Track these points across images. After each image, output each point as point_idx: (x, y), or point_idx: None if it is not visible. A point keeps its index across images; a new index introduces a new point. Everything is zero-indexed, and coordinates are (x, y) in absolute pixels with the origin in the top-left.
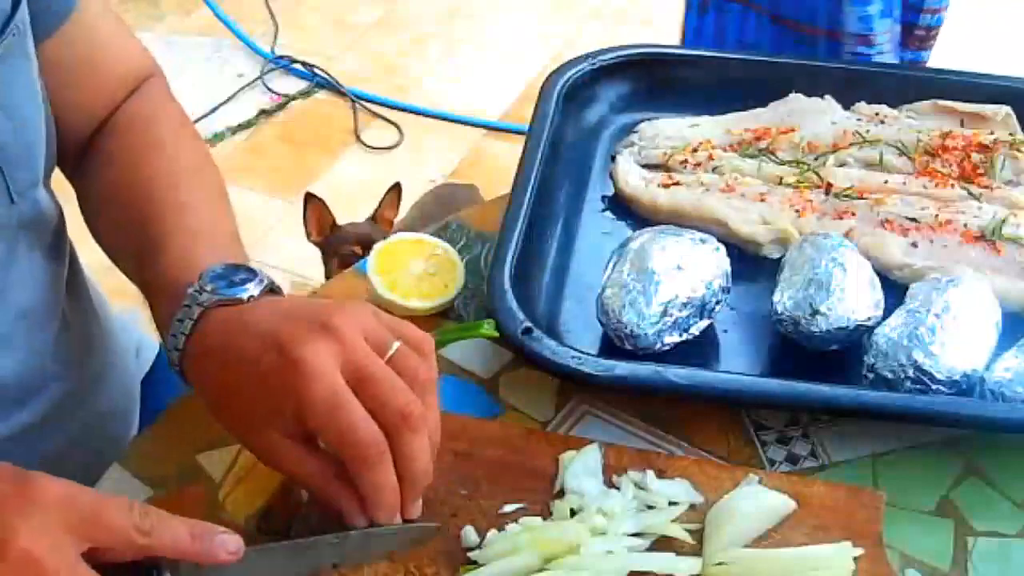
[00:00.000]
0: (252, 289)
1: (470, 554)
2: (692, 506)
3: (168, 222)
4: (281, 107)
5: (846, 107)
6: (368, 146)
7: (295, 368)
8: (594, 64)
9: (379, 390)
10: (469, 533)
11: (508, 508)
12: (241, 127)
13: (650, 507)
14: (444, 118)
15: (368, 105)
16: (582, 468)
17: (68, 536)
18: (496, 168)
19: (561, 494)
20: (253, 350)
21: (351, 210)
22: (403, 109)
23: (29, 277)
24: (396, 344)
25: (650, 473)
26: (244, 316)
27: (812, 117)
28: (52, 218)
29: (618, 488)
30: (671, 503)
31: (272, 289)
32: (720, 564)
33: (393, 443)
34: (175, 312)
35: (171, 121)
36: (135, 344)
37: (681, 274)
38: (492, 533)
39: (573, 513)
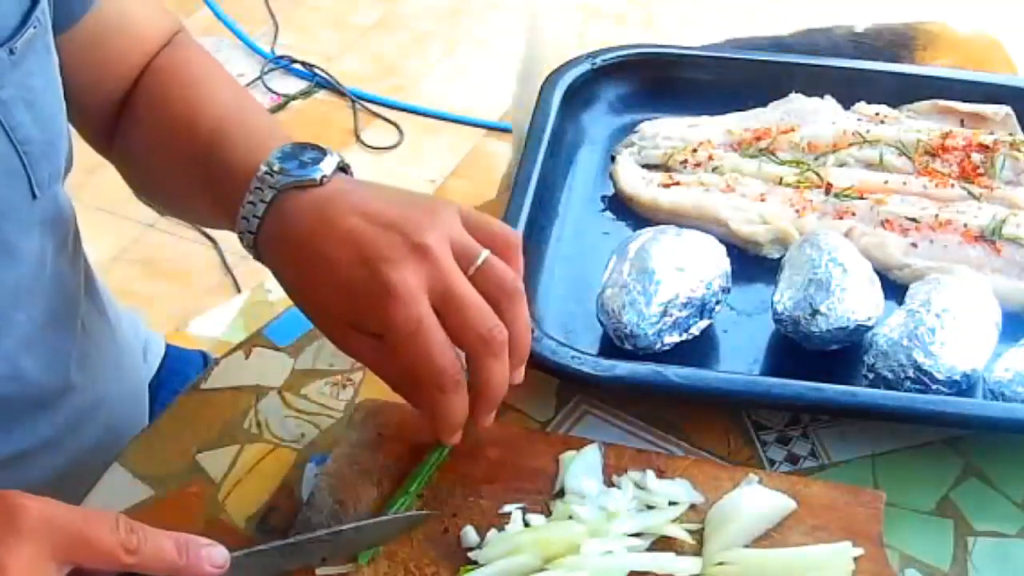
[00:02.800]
0: (324, 168)
1: (470, 554)
2: (692, 506)
3: (224, 127)
4: (281, 107)
5: (846, 107)
6: (368, 146)
7: (384, 290)
8: (594, 64)
9: (464, 315)
10: (469, 533)
11: (508, 508)
12: None
13: (650, 507)
14: (444, 118)
15: (368, 105)
16: (582, 468)
17: (52, 562)
18: (496, 168)
19: (561, 494)
20: (337, 256)
21: None
22: (403, 109)
23: (57, 278)
24: (484, 254)
25: (650, 473)
26: (324, 208)
27: (812, 117)
28: (70, 217)
29: (618, 488)
30: (671, 503)
31: (342, 168)
32: (720, 564)
33: (473, 364)
34: (246, 196)
35: (204, 60)
36: (142, 345)
37: (681, 274)
38: (492, 533)
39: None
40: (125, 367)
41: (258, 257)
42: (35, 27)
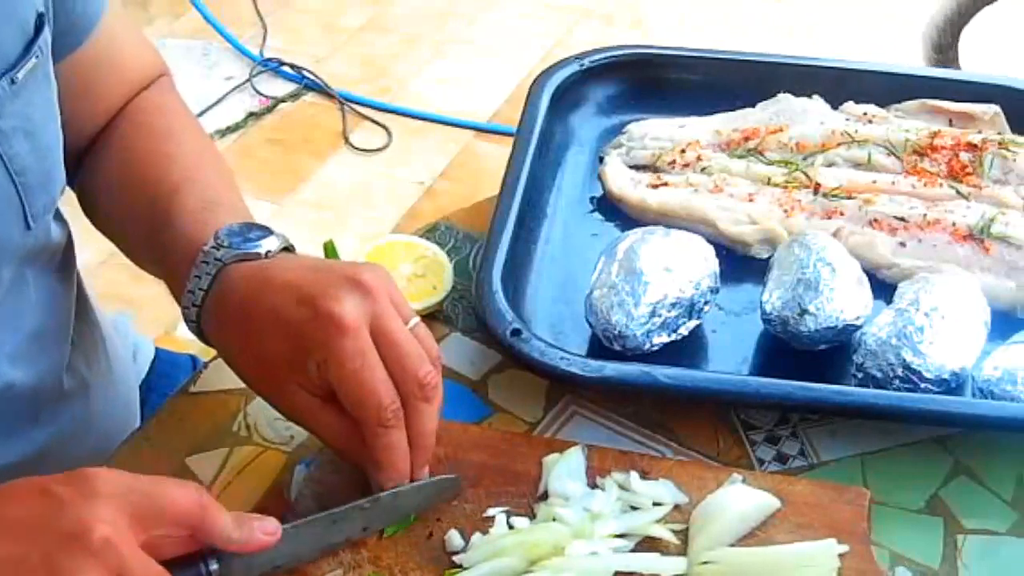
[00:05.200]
0: (268, 244)
1: (455, 558)
2: (676, 506)
3: (181, 193)
4: (269, 110)
5: (835, 107)
6: (357, 148)
7: (327, 322)
8: (582, 65)
9: (401, 355)
10: (454, 537)
11: (492, 511)
12: (230, 130)
13: (634, 508)
14: (433, 120)
15: (356, 107)
16: (565, 470)
17: (130, 527)
18: (485, 169)
19: (545, 497)
20: (279, 303)
21: (340, 213)
22: (392, 111)
23: (42, 299)
24: (417, 319)
25: (634, 474)
26: (266, 270)
27: (801, 117)
28: (62, 238)
29: (602, 490)
30: (655, 504)
31: (287, 248)
32: (705, 563)
33: (406, 409)
34: (192, 270)
35: (179, 111)
36: (132, 348)
37: (669, 274)
38: (476, 536)
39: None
40: (116, 372)
41: (199, 334)
42: (37, 57)
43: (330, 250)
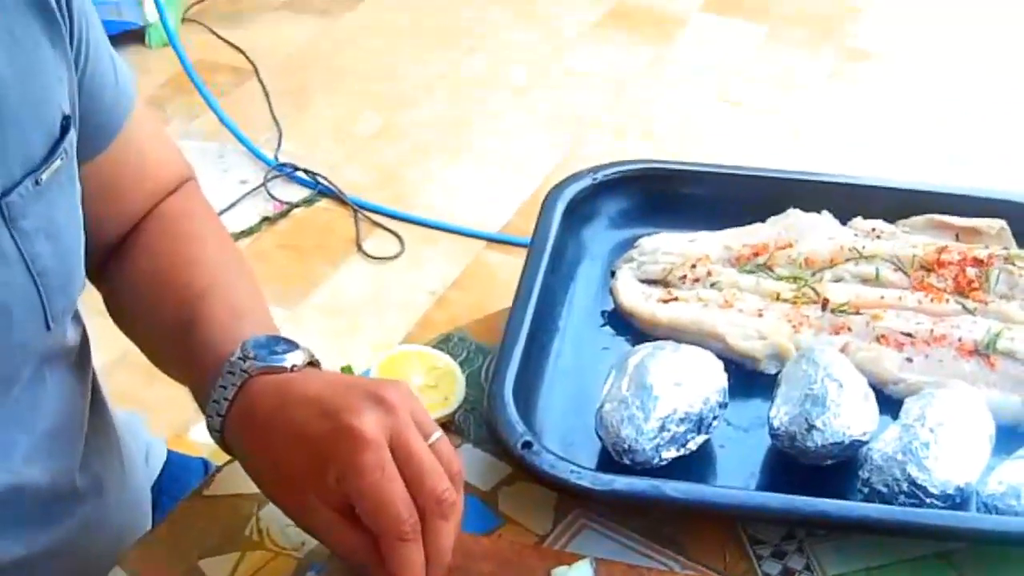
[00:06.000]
0: (294, 359)
1: None
2: None
3: (207, 299)
4: (283, 215)
5: (843, 222)
6: (369, 256)
7: (348, 435)
8: (595, 179)
9: (420, 471)
10: None
11: None
12: (244, 233)
13: None
14: (445, 229)
15: (370, 215)
16: None
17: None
18: (496, 279)
19: None
20: (302, 416)
21: (352, 320)
22: (404, 219)
23: (58, 398)
24: (439, 433)
25: None
26: (291, 384)
27: (810, 232)
28: (78, 337)
29: None
30: None
31: (312, 362)
32: None
33: (424, 524)
34: (217, 380)
35: (205, 216)
36: (144, 449)
37: (679, 389)
38: None
39: None
40: (128, 472)
41: (221, 443)
42: (62, 158)
43: (347, 373)
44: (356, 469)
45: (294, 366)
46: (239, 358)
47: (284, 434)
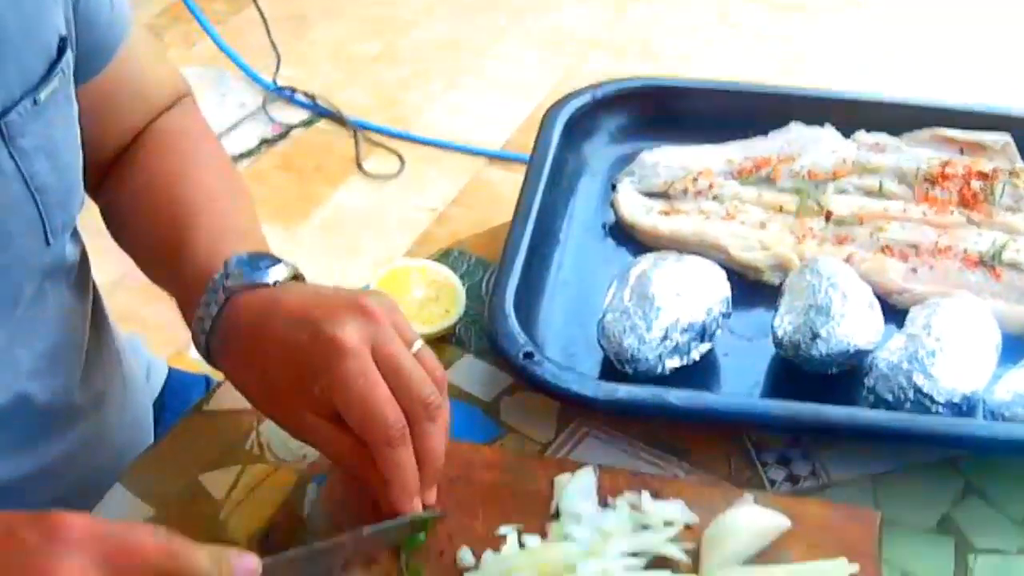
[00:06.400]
0: (277, 274)
1: (466, 575)
2: (687, 526)
3: (198, 220)
4: (282, 136)
5: (846, 135)
6: (369, 175)
7: (330, 345)
8: (595, 96)
9: (404, 377)
10: (465, 554)
11: (504, 530)
12: (243, 156)
13: (645, 528)
14: (445, 147)
15: (370, 135)
16: (577, 490)
17: (100, 572)
18: (497, 196)
19: (556, 516)
20: (285, 329)
21: (352, 239)
22: (404, 138)
23: (59, 314)
24: (420, 342)
25: (645, 494)
26: (274, 299)
27: (812, 146)
28: (77, 255)
29: (613, 509)
30: (666, 523)
31: (296, 276)
32: None
33: (413, 430)
34: (202, 298)
35: (201, 133)
36: (145, 367)
37: (681, 299)
38: (488, 554)
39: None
40: (129, 389)
41: (208, 359)
42: (59, 78)
43: None
44: (339, 378)
45: (276, 281)
46: (222, 276)
47: (268, 348)
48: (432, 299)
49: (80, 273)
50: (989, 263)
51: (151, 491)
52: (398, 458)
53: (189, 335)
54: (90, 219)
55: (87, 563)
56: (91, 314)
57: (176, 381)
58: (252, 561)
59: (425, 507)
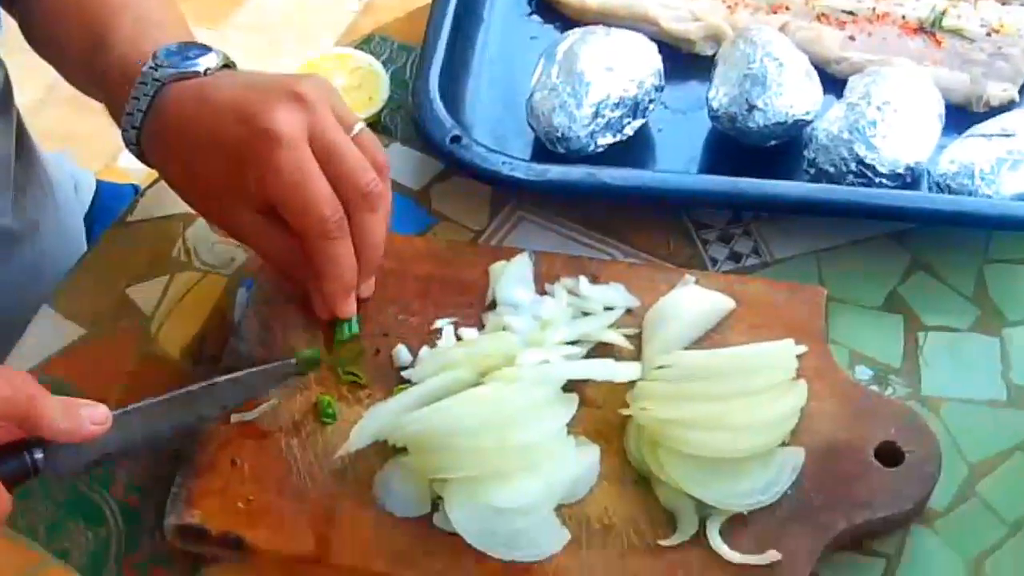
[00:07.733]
0: (208, 62)
1: (404, 373)
2: (628, 311)
3: (120, 18)
4: None
5: None
6: None
7: (263, 137)
8: None
9: (344, 166)
10: (401, 352)
11: (440, 324)
12: None
13: (585, 314)
14: None
15: None
16: (513, 278)
17: None
18: None
19: (493, 306)
20: (217, 122)
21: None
22: None
23: None
24: (361, 124)
25: (583, 279)
26: (204, 89)
27: None
28: (1, 82)
29: (551, 296)
30: (606, 308)
31: (228, 64)
32: (660, 368)
33: (351, 220)
34: (131, 92)
35: None
36: (72, 182)
37: (612, 74)
38: (425, 350)
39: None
40: (61, 209)
41: (140, 156)
42: None
43: None
44: (273, 170)
45: (207, 69)
46: (151, 67)
47: (200, 141)
48: (355, 87)
49: (3, 101)
50: (929, 30)
51: (79, 310)
52: (334, 251)
53: (118, 144)
54: (10, 37)
55: None
56: (17, 138)
57: (106, 194)
58: (102, 412)
59: (360, 301)
